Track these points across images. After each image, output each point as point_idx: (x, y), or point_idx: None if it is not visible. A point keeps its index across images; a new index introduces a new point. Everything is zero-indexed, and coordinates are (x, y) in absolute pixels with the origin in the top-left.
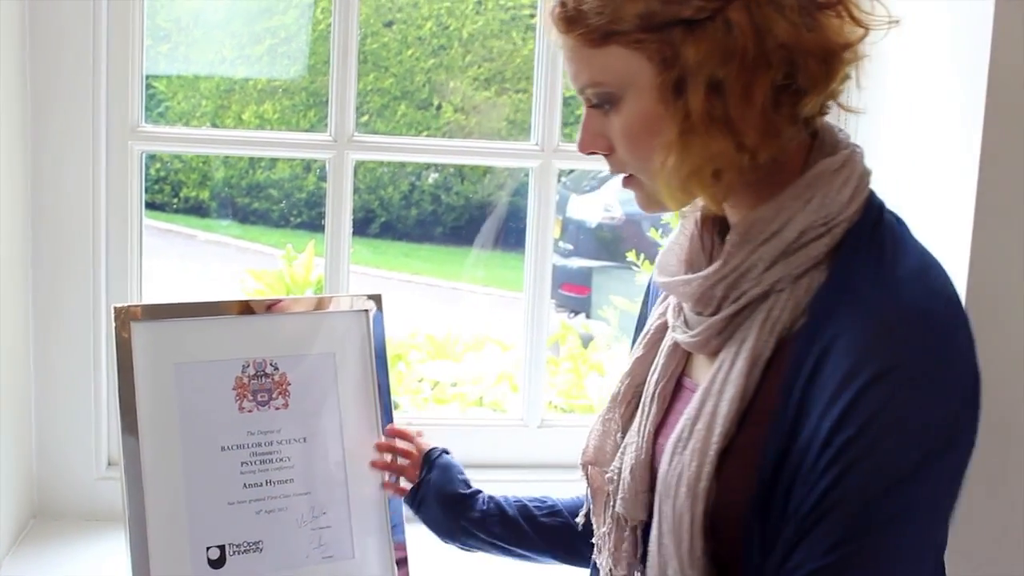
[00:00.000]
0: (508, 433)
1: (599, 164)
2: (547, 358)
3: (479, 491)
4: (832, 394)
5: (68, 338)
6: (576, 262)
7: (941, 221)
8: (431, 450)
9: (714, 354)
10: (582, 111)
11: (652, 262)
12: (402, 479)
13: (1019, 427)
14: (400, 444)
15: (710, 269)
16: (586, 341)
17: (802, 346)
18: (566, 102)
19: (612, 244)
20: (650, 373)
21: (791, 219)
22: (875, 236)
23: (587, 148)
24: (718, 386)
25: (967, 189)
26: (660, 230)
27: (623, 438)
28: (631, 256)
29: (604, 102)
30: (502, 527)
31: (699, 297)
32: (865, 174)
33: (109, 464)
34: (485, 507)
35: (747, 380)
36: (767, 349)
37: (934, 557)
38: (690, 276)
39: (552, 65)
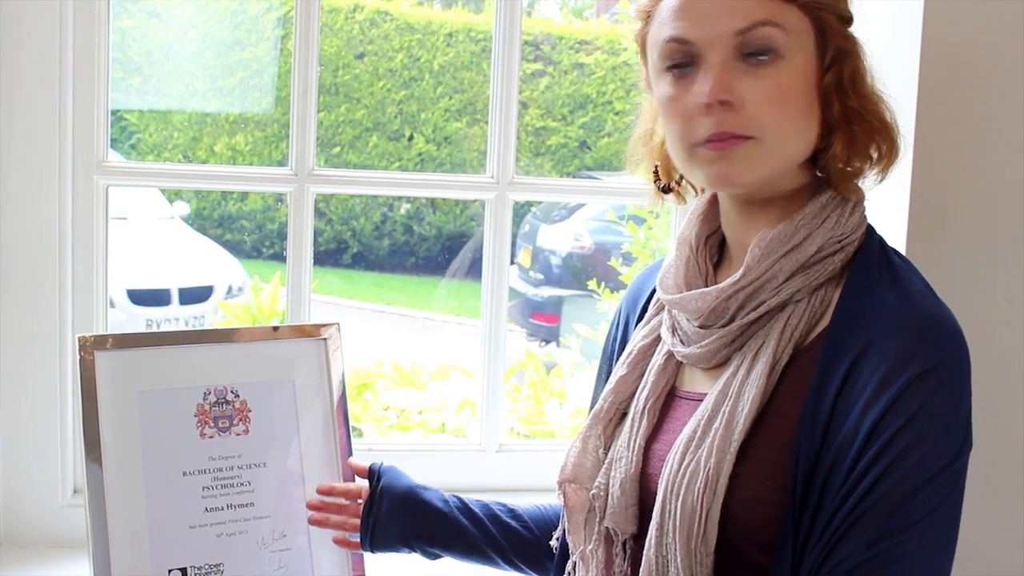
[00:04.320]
0: (467, 458)
1: (554, 195)
2: (513, 385)
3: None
4: (873, 393)
5: (33, 367)
6: (546, 291)
7: (876, 218)
8: (371, 465)
9: (719, 365)
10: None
11: (613, 291)
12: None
13: None
14: (335, 499)
15: (727, 282)
16: (549, 368)
17: (830, 352)
18: (532, 134)
19: (582, 273)
20: (638, 390)
21: (810, 235)
22: (883, 257)
23: (721, 95)
24: (735, 389)
25: (901, 185)
26: (621, 259)
27: (606, 455)
28: (592, 285)
29: (765, 50)
30: (465, 517)
31: (713, 309)
32: (864, 205)
33: (74, 491)
34: (445, 498)
35: (767, 383)
36: (785, 356)
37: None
38: (705, 289)
39: (507, 99)
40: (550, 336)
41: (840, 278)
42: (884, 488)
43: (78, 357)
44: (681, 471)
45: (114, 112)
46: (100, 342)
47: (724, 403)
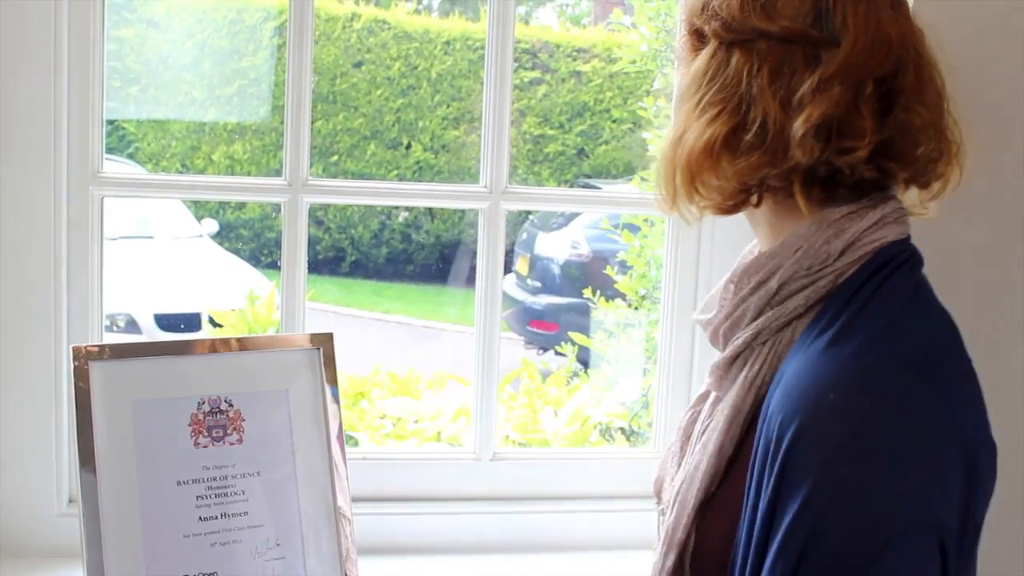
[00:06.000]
0: (461, 467)
1: (548, 205)
2: (508, 394)
3: None
4: (770, 463)
5: (29, 377)
6: (544, 299)
7: None
8: None
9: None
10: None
11: (608, 299)
12: None
13: None
14: None
15: (713, 314)
16: (545, 376)
17: (769, 407)
18: (530, 141)
19: (580, 281)
20: (702, 411)
21: (779, 267)
22: (859, 292)
23: None
24: (704, 439)
25: None
26: (616, 268)
27: (677, 471)
28: (588, 293)
29: None
30: None
31: (711, 337)
32: (874, 228)
33: (69, 501)
34: None
35: (726, 435)
36: (746, 404)
37: None
38: (707, 316)
39: (500, 108)
40: (548, 344)
41: (813, 317)
42: None
43: (72, 367)
44: (667, 521)
45: (112, 122)
46: (94, 352)
47: (695, 454)
